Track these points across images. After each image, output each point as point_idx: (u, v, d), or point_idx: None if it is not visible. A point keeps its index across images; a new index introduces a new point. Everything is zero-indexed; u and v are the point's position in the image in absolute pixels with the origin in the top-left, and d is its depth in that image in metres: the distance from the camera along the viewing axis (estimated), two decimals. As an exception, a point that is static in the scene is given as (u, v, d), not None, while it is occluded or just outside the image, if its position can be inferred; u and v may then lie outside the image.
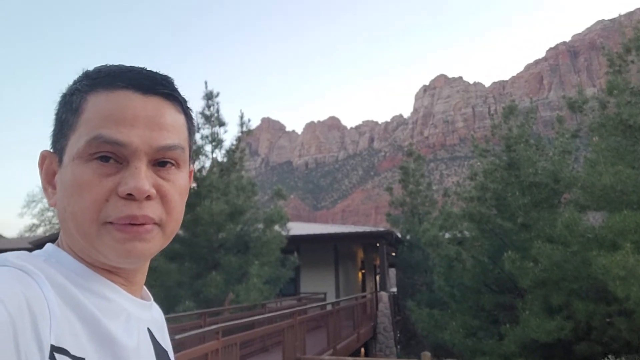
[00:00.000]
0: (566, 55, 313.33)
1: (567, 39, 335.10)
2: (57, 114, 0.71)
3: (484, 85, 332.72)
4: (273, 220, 13.59)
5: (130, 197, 0.63)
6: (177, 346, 6.58)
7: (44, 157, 0.72)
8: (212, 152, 14.46)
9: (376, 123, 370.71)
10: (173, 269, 12.02)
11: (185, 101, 0.73)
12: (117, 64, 0.71)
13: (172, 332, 7.64)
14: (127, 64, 0.71)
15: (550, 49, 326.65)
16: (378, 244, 20.14)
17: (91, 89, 0.67)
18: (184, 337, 6.10)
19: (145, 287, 0.78)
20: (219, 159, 14.55)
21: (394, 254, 22.88)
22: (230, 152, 14.66)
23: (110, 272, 0.69)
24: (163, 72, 0.72)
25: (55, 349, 0.55)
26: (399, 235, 21.53)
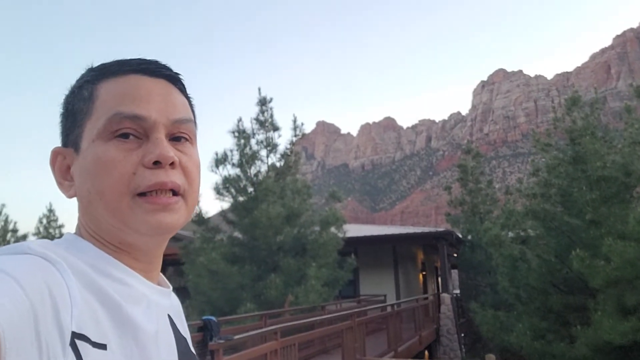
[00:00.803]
0: (635, 42, 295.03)
1: (635, 24, 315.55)
2: (66, 109, 0.73)
3: (546, 78, 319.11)
4: (329, 222, 13.64)
5: (156, 165, 0.66)
6: (238, 346, 6.73)
7: (56, 153, 0.73)
8: (267, 156, 14.73)
9: (433, 122, 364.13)
10: (234, 271, 12.29)
11: (185, 86, 0.77)
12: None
13: (233, 332, 7.85)
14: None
15: (617, 36, 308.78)
16: (438, 245, 19.74)
17: (101, 78, 0.70)
18: (244, 337, 6.22)
19: (162, 276, 0.80)
20: (274, 163, 14.80)
21: (455, 254, 22.35)
22: (285, 156, 14.87)
23: (131, 256, 0.70)
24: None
25: (76, 335, 0.55)
26: (460, 236, 21.01)
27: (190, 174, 0.70)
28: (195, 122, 0.76)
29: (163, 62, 0.74)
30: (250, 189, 14.12)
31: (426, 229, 22.25)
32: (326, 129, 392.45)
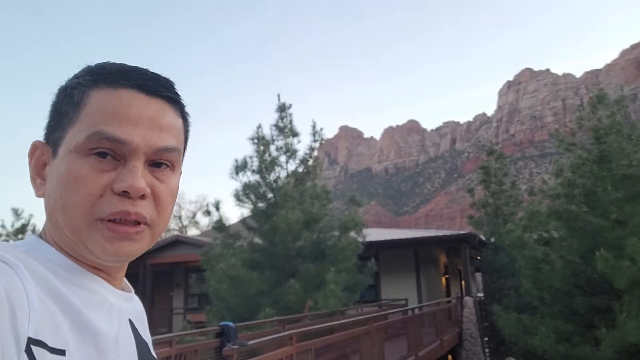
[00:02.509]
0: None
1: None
2: (55, 106, 0.71)
3: (574, 76, 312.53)
4: (348, 227, 13.63)
5: (125, 194, 0.64)
6: (257, 351, 6.79)
7: (35, 147, 0.71)
8: (287, 162, 14.82)
9: (457, 123, 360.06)
10: (254, 277, 12.39)
11: (184, 106, 0.74)
12: (119, 62, 0.71)
13: (251, 338, 7.91)
14: (130, 64, 0.72)
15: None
16: (460, 248, 19.53)
17: (94, 85, 0.68)
18: (258, 343, 6.27)
19: (125, 280, 0.78)
20: (294, 169, 14.89)
21: (478, 257, 22.09)
22: (304, 162, 14.94)
23: (92, 267, 0.69)
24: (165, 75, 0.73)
25: (32, 342, 0.54)
26: (483, 238, 20.75)
27: (161, 203, 0.68)
28: (184, 148, 0.74)
29: (164, 79, 0.71)
30: (270, 195, 14.23)
31: (448, 232, 22.07)
32: (349, 134, 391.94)
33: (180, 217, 50.56)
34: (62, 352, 0.57)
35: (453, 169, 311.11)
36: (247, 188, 14.22)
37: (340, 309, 12.68)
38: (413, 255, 20.50)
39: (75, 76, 0.71)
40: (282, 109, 15.53)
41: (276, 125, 15.27)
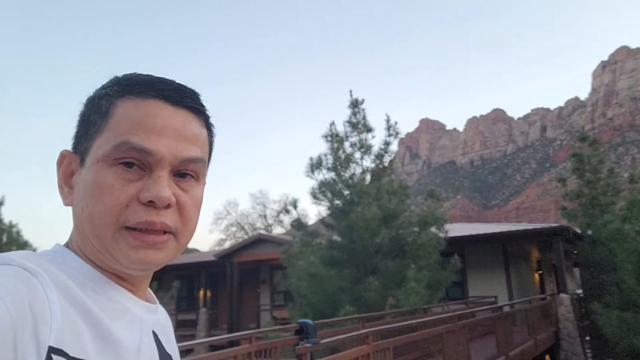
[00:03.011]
0: None
1: None
2: (83, 116, 0.72)
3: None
4: (427, 222, 13.21)
5: (150, 204, 0.65)
6: (332, 349, 6.75)
7: (63, 156, 0.73)
8: (362, 158, 14.67)
9: (547, 110, 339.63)
10: (333, 274, 12.39)
11: (209, 116, 0.75)
12: (146, 73, 0.73)
13: (328, 335, 7.88)
14: (157, 75, 0.73)
15: None
16: (553, 242, 18.31)
17: (122, 95, 0.69)
18: (334, 341, 6.20)
19: (150, 290, 0.79)
20: (369, 164, 14.71)
21: (575, 251, 20.59)
22: (379, 157, 14.72)
23: (117, 276, 0.70)
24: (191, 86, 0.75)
25: (53, 350, 0.55)
26: (579, 231, 19.30)
27: (186, 213, 0.69)
28: (209, 158, 0.75)
29: (190, 90, 0.73)
30: (346, 192, 14.16)
31: (538, 226, 20.75)
32: (430, 127, 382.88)
33: (265, 216, 52.32)
34: None
35: (544, 158, 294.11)
36: (323, 186, 14.26)
37: (423, 307, 12.34)
38: (501, 250, 19.54)
39: (103, 87, 0.72)
40: (355, 104, 15.42)
41: (349, 122, 15.18)
